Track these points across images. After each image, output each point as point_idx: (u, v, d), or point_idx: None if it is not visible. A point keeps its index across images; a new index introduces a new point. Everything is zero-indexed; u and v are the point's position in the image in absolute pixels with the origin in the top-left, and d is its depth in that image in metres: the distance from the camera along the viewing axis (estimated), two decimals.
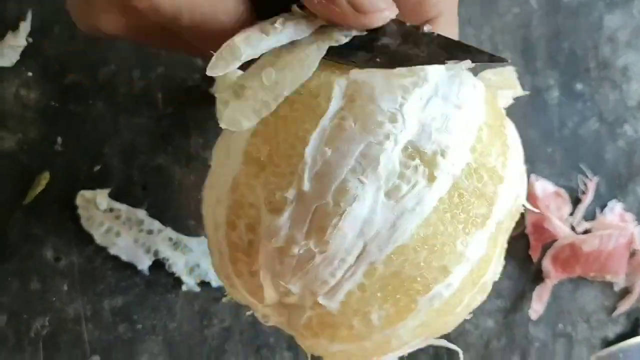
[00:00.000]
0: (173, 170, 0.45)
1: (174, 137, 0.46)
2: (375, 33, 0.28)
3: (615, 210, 0.47)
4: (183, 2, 0.27)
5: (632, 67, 0.49)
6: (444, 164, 0.26)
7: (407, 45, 0.28)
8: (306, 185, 0.25)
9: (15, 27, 0.46)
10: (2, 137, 0.45)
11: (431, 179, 0.25)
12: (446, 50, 0.27)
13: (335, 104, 0.26)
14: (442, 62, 0.27)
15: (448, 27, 0.31)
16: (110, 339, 0.44)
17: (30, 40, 0.46)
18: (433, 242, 0.26)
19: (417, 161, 0.26)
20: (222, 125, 0.34)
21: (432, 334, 0.30)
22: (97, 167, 0.45)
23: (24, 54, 0.46)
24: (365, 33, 0.28)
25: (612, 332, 0.46)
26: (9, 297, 0.44)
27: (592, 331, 0.46)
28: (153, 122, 0.46)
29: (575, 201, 0.47)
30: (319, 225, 0.25)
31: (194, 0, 0.27)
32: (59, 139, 0.45)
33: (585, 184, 0.47)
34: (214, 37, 0.27)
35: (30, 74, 0.46)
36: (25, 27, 0.45)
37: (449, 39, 0.28)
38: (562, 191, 0.47)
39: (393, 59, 0.27)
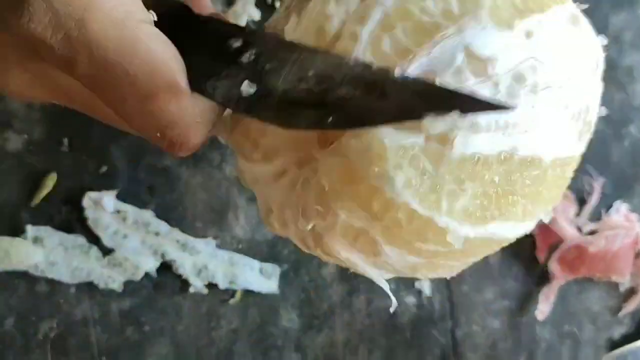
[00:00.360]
0: (180, 171, 0.45)
1: None
2: (328, 80, 0.22)
3: (620, 211, 0.48)
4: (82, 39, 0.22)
5: (638, 67, 0.49)
6: None
7: (370, 97, 0.21)
8: None
9: None
10: (8, 138, 0.44)
11: None
12: (423, 100, 0.21)
13: None
14: (417, 118, 0.21)
15: None
16: (118, 341, 0.44)
17: None
18: None
19: None
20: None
21: None
22: (104, 169, 0.45)
23: None
24: (313, 83, 0.22)
25: (617, 332, 0.47)
26: (17, 299, 0.43)
27: (598, 332, 0.46)
28: None
29: (581, 202, 0.47)
30: None
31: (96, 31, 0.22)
32: (65, 140, 0.45)
33: (591, 185, 0.48)
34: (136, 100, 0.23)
35: None
36: None
37: (431, 83, 0.22)
38: (568, 192, 0.47)
39: (350, 118, 0.22)
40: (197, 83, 0.23)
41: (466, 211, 0.24)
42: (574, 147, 0.26)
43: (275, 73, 0.22)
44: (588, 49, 0.26)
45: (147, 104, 0.22)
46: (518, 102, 0.23)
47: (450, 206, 0.23)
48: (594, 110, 0.27)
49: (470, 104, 0.20)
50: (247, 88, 0.22)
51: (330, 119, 0.21)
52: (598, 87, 0.27)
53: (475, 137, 0.23)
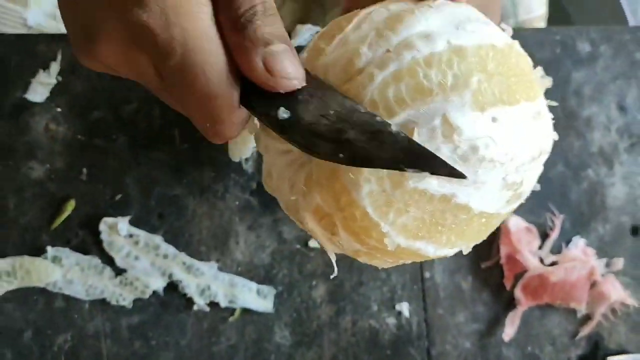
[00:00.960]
0: (187, 200, 0.50)
1: (189, 171, 0.50)
2: (343, 122, 0.28)
3: (578, 245, 0.53)
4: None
5: (595, 118, 0.55)
6: None
7: (372, 144, 0.27)
8: None
9: (46, 66, 0.50)
10: (32, 167, 0.49)
11: None
12: (408, 157, 0.27)
13: None
14: (401, 169, 0.27)
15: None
16: (126, 354, 0.48)
17: (60, 78, 0.50)
18: None
19: None
20: (234, 159, 0.45)
21: None
22: (119, 196, 0.49)
23: (54, 91, 0.50)
24: (332, 121, 0.28)
25: (574, 354, 0.52)
26: (35, 314, 0.47)
27: (557, 353, 0.51)
28: (170, 157, 0.50)
29: (544, 236, 0.53)
30: None
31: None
32: (84, 170, 0.49)
33: (552, 221, 0.53)
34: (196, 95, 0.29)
35: (59, 109, 0.50)
36: (55, 66, 0.49)
37: (415, 144, 0.27)
38: (532, 227, 0.52)
39: (355, 156, 0.27)
40: (244, 99, 0.29)
41: (404, 227, 0.31)
42: (501, 208, 0.33)
43: (304, 105, 0.29)
44: (538, 140, 0.33)
45: (209, 102, 0.29)
46: (467, 165, 0.29)
47: (394, 219, 0.30)
48: (528, 185, 0.34)
49: (439, 167, 0.27)
50: (282, 113, 0.28)
51: (342, 155, 0.27)
52: (537, 169, 0.34)
53: (429, 178, 0.30)
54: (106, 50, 0.30)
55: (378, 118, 0.28)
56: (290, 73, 0.29)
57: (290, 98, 0.29)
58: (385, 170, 0.29)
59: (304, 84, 0.29)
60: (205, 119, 0.30)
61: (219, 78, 0.28)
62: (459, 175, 0.27)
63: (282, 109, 0.29)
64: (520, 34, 0.56)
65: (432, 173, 0.27)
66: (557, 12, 0.99)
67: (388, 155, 0.27)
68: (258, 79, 0.29)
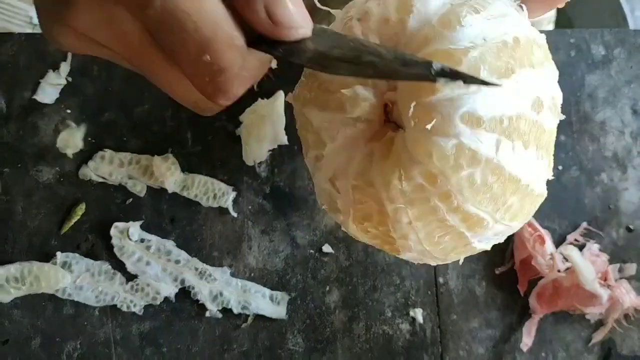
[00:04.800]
0: (199, 205, 0.49)
1: (201, 173, 0.49)
2: (359, 50, 0.27)
3: (592, 250, 0.53)
4: None
5: (609, 121, 0.55)
6: None
7: (395, 63, 0.26)
8: None
9: (56, 67, 0.48)
10: (41, 170, 0.48)
11: None
12: (435, 69, 0.26)
13: None
14: (432, 80, 0.26)
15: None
16: None
17: (70, 79, 0.49)
18: None
19: None
20: (248, 162, 0.43)
21: None
22: (130, 200, 0.48)
23: (64, 92, 0.49)
24: (351, 45, 0.27)
25: None
26: (44, 321, 0.46)
27: (570, 359, 0.51)
28: (182, 159, 0.49)
29: (558, 241, 0.52)
30: None
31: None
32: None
33: (566, 227, 0.53)
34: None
35: (69, 111, 0.49)
36: (65, 66, 0.48)
37: (437, 62, 0.27)
38: (546, 232, 0.52)
39: (380, 72, 0.27)
40: (253, 40, 0.26)
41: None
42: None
43: (316, 40, 0.27)
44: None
45: (205, 49, 0.25)
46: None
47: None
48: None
49: (468, 77, 0.26)
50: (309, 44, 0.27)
51: (366, 72, 0.26)
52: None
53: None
54: (82, 11, 0.26)
55: (395, 49, 0.27)
56: (297, 21, 0.26)
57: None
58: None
59: (310, 33, 0.27)
60: (203, 72, 0.26)
61: (214, 18, 0.25)
62: (492, 84, 0.27)
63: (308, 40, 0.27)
64: None
65: (465, 82, 0.25)
66: (557, 14, 0.98)
67: (414, 71, 0.26)
68: (260, 28, 0.26)
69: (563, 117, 0.35)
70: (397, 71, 0.26)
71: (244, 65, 0.26)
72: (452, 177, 0.29)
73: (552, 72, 0.34)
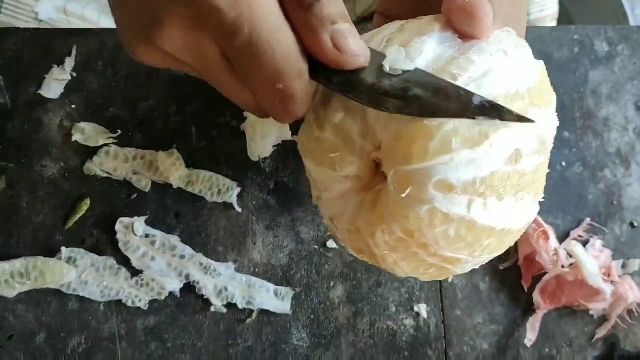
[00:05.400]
0: (204, 200, 0.49)
1: (206, 169, 0.49)
2: (407, 83, 0.30)
3: (595, 246, 0.53)
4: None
5: (613, 118, 0.55)
6: None
7: (438, 98, 0.29)
8: None
9: (60, 62, 0.48)
10: (46, 165, 0.48)
11: None
12: (475, 107, 0.29)
13: None
14: (471, 117, 0.29)
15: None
16: (142, 356, 0.47)
17: (75, 74, 0.49)
18: None
19: None
20: (253, 158, 0.44)
21: None
22: (134, 196, 0.48)
23: (69, 87, 0.49)
24: (395, 82, 0.30)
25: (591, 355, 0.51)
26: (49, 316, 0.46)
27: (574, 355, 0.51)
28: (187, 154, 0.49)
29: (562, 237, 0.52)
30: None
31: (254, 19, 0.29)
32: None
33: (570, 223, 0.53)
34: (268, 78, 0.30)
35: (73, 106, 0.49)
36: (70, 62, 0.48)
37: (479, 96, 0.30)
38: (550, 228, 0.52)
39: (424, 110, 0.29)
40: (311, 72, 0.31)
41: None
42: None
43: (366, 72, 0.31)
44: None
45: (278, 78, 0.29)
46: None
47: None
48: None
49: (506, 114, 0.29)
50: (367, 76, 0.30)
51: (411, 108, 0.29)
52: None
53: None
54: (170, 34, 0.30)
55: (441, 79, 0.30)
56: (358, 51, 0.30)
57: (352, 71, 0.30)
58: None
59: (367, 63, 0.30)
60: (274, 97, 0.30)
61: (288, 52, 0.29)
62: (529, 120, 0.29)
63: (365, 71, 0.30)
64: (538, 32, 0.56)
65: (501, 119, 0.29)
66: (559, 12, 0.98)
67: (456, 107, 0.29)
68: (327, 57, 0.29)
69: (557, 123, 0.36)
70: (439, 107, 0.29)
71: (308, 93, 0.31)
72: (428, 234, 0.31)
73: (543, 111, 0.33)
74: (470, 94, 0.29)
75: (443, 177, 0.30)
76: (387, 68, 0.30)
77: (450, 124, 0.30)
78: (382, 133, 0.31)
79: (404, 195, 0.31)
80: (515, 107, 0.30)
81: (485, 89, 0.30)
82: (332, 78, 0.30)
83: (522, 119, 0.30)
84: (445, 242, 0.32)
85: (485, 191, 0.31)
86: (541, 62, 0.36)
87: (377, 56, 0.31)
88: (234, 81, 0.32)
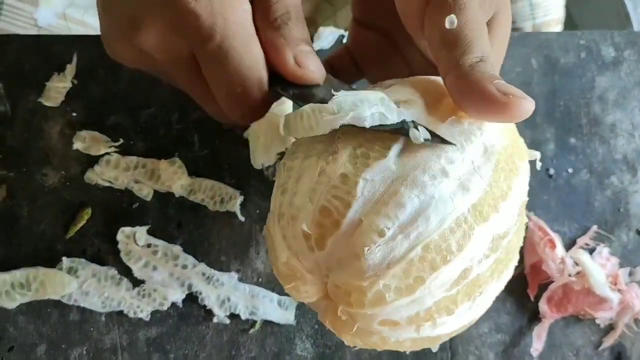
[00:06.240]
0: (206, 209, 0.48)
1: (208, 177, 0.48)
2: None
3: (602, 254, 0.52)
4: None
5: (620, 124, 0.54)
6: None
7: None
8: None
9: (61, 69, 0.48)
10: (46, 173, 0.47)
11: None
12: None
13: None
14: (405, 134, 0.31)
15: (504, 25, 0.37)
16: None
17: (75, 82, 0.48)
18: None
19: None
20: (256, 166, 0.45)
21: None
22: (136, 205, 0.47)
23: (69, 95, 0.48)
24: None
25: None
26: (49, 328, 0.46)
27: None
28: (189, 162, 0.48)
29: (569, 245, 0.52)
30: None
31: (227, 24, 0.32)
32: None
33: (576, 230, 0.52)
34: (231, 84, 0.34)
35: (74, 114, 0.48)
36: (70, 69, 0.48)
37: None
38: (556, 236, 0.52)
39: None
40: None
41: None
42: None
43: (318, 88, 0.35)
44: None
45: (240, 83, 0.33)
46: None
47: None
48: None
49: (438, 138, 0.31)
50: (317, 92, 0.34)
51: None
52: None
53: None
54: (149, 35, 0.33)
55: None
56: (315, 69, 0.34)
57: (305, 86, 0.34)
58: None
59: (322, 82, 0.35)
60: (235, 99, 0.34)
61: (253, 62, 0.33)
62: (450, 143, 0.31)
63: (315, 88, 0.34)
64: (545, 37, 0.55)
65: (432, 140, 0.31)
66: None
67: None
68: (288, 70, 0.33)
69: (526, 189, 0.36)
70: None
71: (265, 100, 0.35)
72: (381, 347, 0.34)
73: (498, 215, 0.32)
74: (404, 122, 0.31)
75: (385, 317, 0.32)
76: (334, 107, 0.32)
77: (381, 283, 0.30)
78: (325, 272, 0.32)
79: (352, 331, 0.33)
80: (452, 241, 0.30)
81: (414, 238, 0.30)
82: (288, 89, 0.34)
83: (445, 141, 0.31)
84: (398, 346, 0.35)
85: (432, 316, 0.32)
86: (499, 145, 0.34)
87: (334, 84, 0.35)
88: (199, 82, 0.35)
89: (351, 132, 0.32)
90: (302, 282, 0.33)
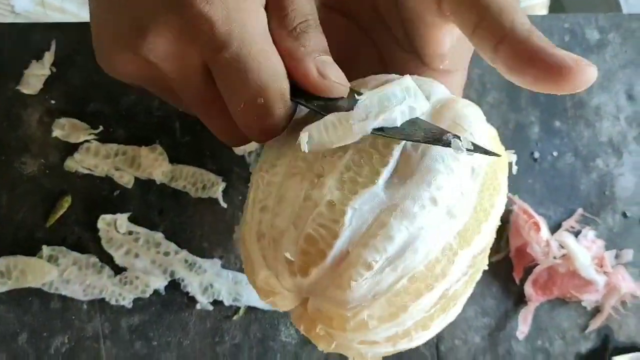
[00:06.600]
0: (188, 195, 0.48)
1: (190, 164, 0.48)
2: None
3: (588, 237, 0.52)
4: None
5: (604, 107, 0.54)
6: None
7: (408, 126, 0.31)
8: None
9: (39, 57, 0.47)
10: (25, 162, 0.46)
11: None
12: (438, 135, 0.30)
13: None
14: (445, 145, 0.30)
15: (460, 80, 0.35)
16: (127, 355, 0.46)
17: (54, 69, 0.48)
18: None
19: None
20: (238, 152, 0.44)
21: None
22: (117, 192, 0.47)
23: (48, 82, 0.48)
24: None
25: (584, 347, 0.51)
26: (30, 316, 0.45)
27: (567, 347, 0.51)
28: (170, 149, 0.48)
29: (554, 228, 0.52)
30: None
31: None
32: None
33: (561, 213, 0.52)
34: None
35: (53, 102, 0.48)
36: (49, 56, 0.47)
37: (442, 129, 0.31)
38: (542, 219, 0.51)
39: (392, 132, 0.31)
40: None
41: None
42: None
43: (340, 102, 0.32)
44: None
45: (261, 94, 0.30)
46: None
47: None
48: None
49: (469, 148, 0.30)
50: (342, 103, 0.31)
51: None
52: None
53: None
54: (157, 43, 0.30)
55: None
56: (340, 80, 0.31)
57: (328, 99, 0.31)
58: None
59: (346, 94, 0.32)
60: (253, 111, 0.30)
61: (274, 70, 0.30)
62: (490, 153, 0.30)
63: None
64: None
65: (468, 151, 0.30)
66: None
67: (422, 132, 0.30)
68: (311, 82, 0.30)
69: (504, 201, 0.35)
70: (407, 133, 0.30)
71: (287, 113, 0.31)
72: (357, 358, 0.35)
73: (479, 238, 0.32)
74: (443, 132, 0.30)
75: (365, 338, 0.31)
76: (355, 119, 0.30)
77: (365, 314, 0.30)
78: (307, 295, 0.32)
79: (331, 347, 0.33)
80: (437, 270, 0.30)
81: (401, 270, 0.29)
82: (312, 101, 0.31)
83: (488, 152, 0.30)
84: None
85: (410, 333, 0.32)
86: (479, 165, 0.33)
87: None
88: (211, 96, 0.32)
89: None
90: (280, 297, 0.33)
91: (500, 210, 0.33)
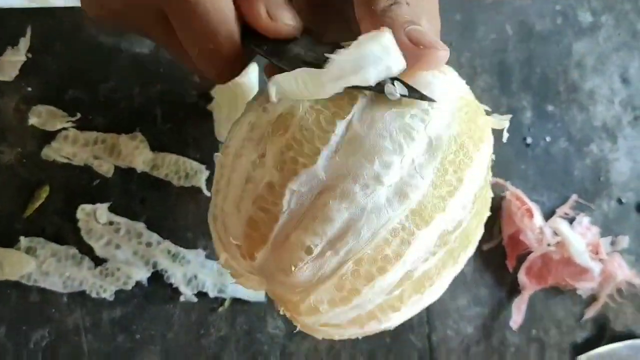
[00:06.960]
0: (170, 184, 0.46)
1: (172, 152, 0.47)
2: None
3: (582, 224, 0.51)
4: None
5: (598, 90, 0.53)
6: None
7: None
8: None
9: (15, 43, 0.46)
10: (2, 151, 0.45)
11: None
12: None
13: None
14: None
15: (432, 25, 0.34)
16: (109, 349, 0.44)
17: (30, 55, 0.46)
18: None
19: None
20: (220, 139, 0.42)
21: None
22: (97, 181, 0.46)
23: (24, 69, 0.46)
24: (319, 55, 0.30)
25: (580, 337, 0.50)
26: (9, 309, 0.44)
27: (562, 336, 0.49)
28: (152, 137, 0.47)
29: (548, 215, 0.50)
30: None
31: None
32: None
33: (555, 199, 0.51)
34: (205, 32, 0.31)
35: (29, 89, 0.46)
36: (24, 42, 0.46)
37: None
38: (535, 205, 0.50)
39: None
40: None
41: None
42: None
43: (294, 44, 0.32)
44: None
45: (211, 39, 0.31)
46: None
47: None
48: None
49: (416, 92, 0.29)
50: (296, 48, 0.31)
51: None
52: None
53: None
54: None
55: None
56: (289, 20, 0.31)
57: (280, 41, 0.32)
58: None
59: (298, 34, 0.32)
60: (207, 56, 0.32)
61: (223, 15, 0.31)
62: (428, 99, 0.29)
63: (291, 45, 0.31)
64: (519, 4, 0.53)
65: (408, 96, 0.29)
66: None
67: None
68: (260, 23, 0.31)
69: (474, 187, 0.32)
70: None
71: (238, 56, 0.32)
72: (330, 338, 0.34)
73: (447, 216, 0.30)
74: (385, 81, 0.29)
75: (325, 322, 0.31)
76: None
77: (312, 298, 0.29)
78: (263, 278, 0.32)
79: (297, 328, 0.33)
80: (387, 252, 0.29)
81: (344, 254, 0.28)
82: (262, 45, 0.32)
83: (424, 97, 0.29)
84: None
85: (376, 315, 0.31)
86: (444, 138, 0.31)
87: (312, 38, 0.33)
88: (173, 40, 0.32)
89: (289, 114, 0.29)
90: (244, 279, 0.32)
91: (475, 183, 0.31)
